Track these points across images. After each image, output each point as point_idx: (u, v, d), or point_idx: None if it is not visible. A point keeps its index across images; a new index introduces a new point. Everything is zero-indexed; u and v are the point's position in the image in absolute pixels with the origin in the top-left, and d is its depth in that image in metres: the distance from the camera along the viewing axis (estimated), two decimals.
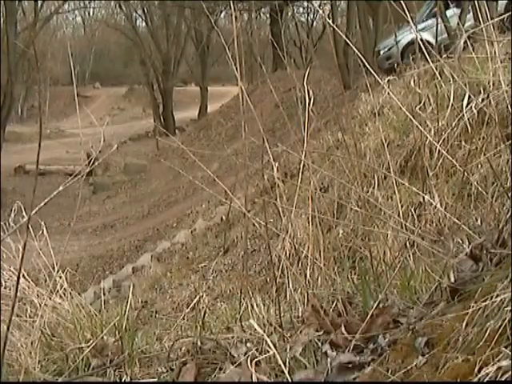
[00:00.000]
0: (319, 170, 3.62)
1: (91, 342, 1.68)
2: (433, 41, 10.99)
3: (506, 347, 1.05)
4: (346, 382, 1.27)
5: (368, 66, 2.05)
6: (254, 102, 1.86)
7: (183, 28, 30.52)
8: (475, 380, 1.04)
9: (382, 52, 14.06)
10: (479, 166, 3.35)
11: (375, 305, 1.45)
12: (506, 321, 1.09)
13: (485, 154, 3.32)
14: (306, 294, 1.78)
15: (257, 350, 1.46)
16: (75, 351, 1.68)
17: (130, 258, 12.22)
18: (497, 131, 3.09)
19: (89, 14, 45.07)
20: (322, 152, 6.40)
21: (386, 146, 4.54)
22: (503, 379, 1.00)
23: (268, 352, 1.36)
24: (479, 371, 1.04)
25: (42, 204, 1.57)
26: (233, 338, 1.58)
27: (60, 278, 1.89)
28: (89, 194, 20.21)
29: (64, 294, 1.87)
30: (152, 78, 29.91)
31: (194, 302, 2.16)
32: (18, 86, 25.47)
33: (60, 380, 1.62)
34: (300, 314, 1.66)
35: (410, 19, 2.11)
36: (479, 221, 2.18)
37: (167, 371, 1.59)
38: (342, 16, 25.35)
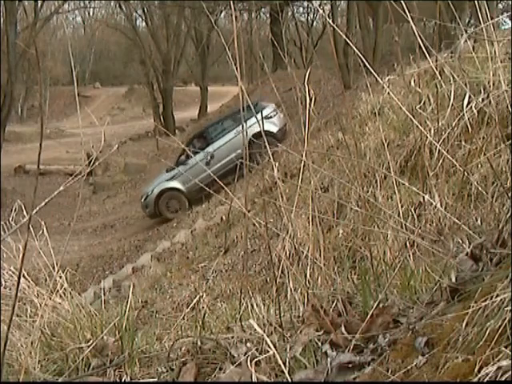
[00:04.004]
0: (319, 169, 3.62)
1: (91, 342, 1.68)
2: (183, 188, 12.16)
3: (506, 347, 1.05)
4: (345, 382, 1.27)
5: (368, 66, 2.04)
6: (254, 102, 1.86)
7: (183, 28, 30.50)
8: (475, 380, 1.04)
9: (142, 200, 14.54)
10: (479, 166, 3.35)
11: (375, 305, 1.45)
12: (506, 321, 1.09)
13: (485, 154, 3.32)
14: (306, 294, 1.78)
15: (257, 350, 1.46)
16: (75, 351, 1.68)
17: (130, 258, 12.22)
18: (497, 131, 3.09)
19: (89, 13, 45.14)
20: (322, 152, 6.40)
21: (386, 145, 4.54)
22: (503, 379, 1.00)
23: (268, 352, 1.36)
24: (479, 371, 1.04)
25: (43, 204, 1.57)
26: (233, 338, 1.58)
27: (60, 277, 1.89)
28: (89, 194, 20.21)
29: (64, 294, 1.87)
30: (152, 78, 29.89)
31: (194, 302, 2.17)
32: (18, 85, 25.46)
33: (60, 380, 1.62)
34: (300, 314, 1.66)
35: (410, 19, 2.11)
36: (479, 221, 2.18)
37: (167, 371, 1.59)
38: (342, 16, 25.35)
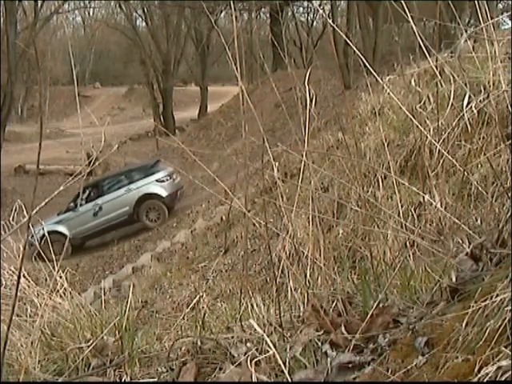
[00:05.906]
0: (319, 169, 3.61)
1: (91, 341, 1.68)
2: (67, 233, 12.53)
3: (505, 347, 1.05)
4: (345, 382, 1.27)
5: (368, 66, 2.04)
6: (254, 101, 1.86)
7: (183, 28, 30.52)
8: (475, 380, 1.04)
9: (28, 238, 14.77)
10: (479, 165, 3.35)
11: (375, 305, 1.45)
12: (506, 321, 1.09)
13: (485, 154, 3.32)
14: (306, 294, 1.78)
15: (257, 349, 1.46)
16: (75, 351, 1.68)
17: (130, 258, 12.22)
18: (497, 131, 3.09)
19: (89, 13, 45.19)
20: (322, 152, 6.40)
21: (386, 145, 4.55)
22: (503, 379, 1.00)
23: (268, 352, 1.36)
24: (479, 371, 1.04)
25: (43, 204, 1.57)
26: (233, 337, 1.58)
27: (60, 277, 1.89)
28: None
29: (64, 294, 1.87)
30: (152, 77, 29.92)
31: (194, 301, 2.17)
32: (18, 85, 25.46)
33: (60, 380, 1.62)
34: (300, 314, 1.66)
35: (410, 19, 2.10)
36: (479, 221, 2.18)
37: (167, 371, 1.59)
38: (341, 16, 25.36)
